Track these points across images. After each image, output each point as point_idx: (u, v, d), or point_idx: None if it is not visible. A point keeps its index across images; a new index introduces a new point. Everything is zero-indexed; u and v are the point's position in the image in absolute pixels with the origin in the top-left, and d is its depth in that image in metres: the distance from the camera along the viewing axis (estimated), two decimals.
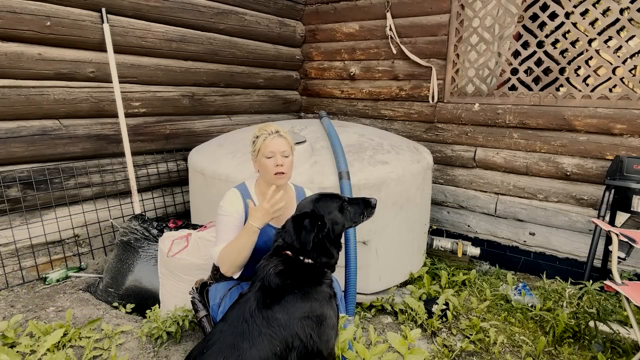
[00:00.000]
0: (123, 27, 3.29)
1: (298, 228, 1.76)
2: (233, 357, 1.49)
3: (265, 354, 1.52)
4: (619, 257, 2.78)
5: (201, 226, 2.84)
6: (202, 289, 2.17)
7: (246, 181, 2.13)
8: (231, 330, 1.58)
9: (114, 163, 3.45)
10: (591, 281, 2.74)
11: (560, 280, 2.91)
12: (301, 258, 1.77)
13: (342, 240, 2.57)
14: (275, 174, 1.95)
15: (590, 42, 3.31)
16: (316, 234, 1.76)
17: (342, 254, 2.56)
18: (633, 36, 3.12)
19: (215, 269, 2.14)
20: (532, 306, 2.95)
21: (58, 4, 2.93)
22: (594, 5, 3.77)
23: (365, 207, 1.92)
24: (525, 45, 3.66)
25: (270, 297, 1.64)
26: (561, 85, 3.67)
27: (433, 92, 4.03)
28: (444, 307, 2.79)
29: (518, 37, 4.16)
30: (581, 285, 2.72)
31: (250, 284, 1.77)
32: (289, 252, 1.79)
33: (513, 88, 3.86)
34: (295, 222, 1.79)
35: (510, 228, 3.80)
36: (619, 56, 3.26)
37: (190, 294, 2.18)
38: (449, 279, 3.28)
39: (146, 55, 3.52)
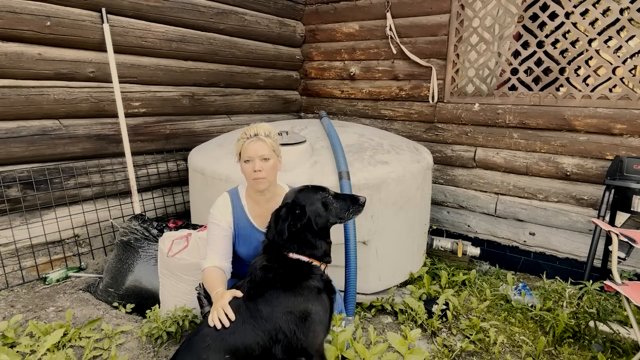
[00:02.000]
0: (123, 27, 3.29)
1: (276, 220, 1.77)
2: (217, 340, 1.58)
3: (247, 341, 1.58)
4: (619, 257, 2.78)
5: (201, 226, 2.84)
6: None
7: (239, 185, 2.11)
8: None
9: (114, 163, 3.45)
10: (591, 281, 2.73)
11: (560, 280, 2.90)
12: (285, 253, 1.76)
13: (342, 241, 2.58)
14: (254, 179, 1.91)
15: (590, 42, 3.31)
16: (292, 223, 1.74)
17: (342, 254, 2.57)
18: (633, 36, 3.12)
19: None
20: (532, 306, 2.95)
21: (58, 4, 2.93)
22: (594, 5, 3.77)
23: (352, 204, 1.87)
24: (525, 45, 3.66)
25: (255, 290, 1.69)
26: (561, 85, 3.67)
27: (433, 92, 4.03)
28: (444, 307, 2.79)
29: (518, 37, 4.15)
30: (581, 285, 2.72)
31: (246, 276, 1.82)
32: (274, 249, 1.80)
33: (513, 88, 3.86)
34: (274, 216, 1.80)
35: (510, 228, 3.80)
36: (619, 56, 3.26)
37: (196, 290, 2.19)
38: (449, 279, 3.28)
39: (146, 55, 3.52)
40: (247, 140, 1.92)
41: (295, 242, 1.76)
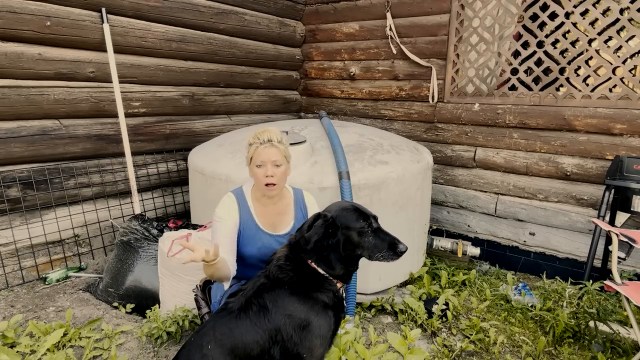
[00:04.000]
0: (123, 27, 3.29)
1: (309, 226, 1.73)
2: (220, 333, 1.60)
3: (247, 338, 1.58)
4: (619, 257, 2.78)
5: (201, 226, 2.84)
6: (205, 286, 2.18)
7: (244, 185, 2.10)
8: (230, 308, 1.66)
9: (114, 163, 3.45)
10: (591, 281, 2.74)
11: (560, 280, 2.91)
12: (305, 258, 1.74)
13: None
14: (265, 185, 1.91)
15: (590, 42, 3.31)
16: (321, 239, 1.69)
17: None
18: (633, 36, 3.12)
19: None
20: (532, 306, 2.95)
21: (58, 4, 2.93)
22: (594, 5, 3.78)
23: (388, 248, 1.72)
24: (525, 45, 3.65)
25: (267, 286, 1.68)
26: (561, 85, 3.67)
27: (433, 92, 4.03)
28: (444, 307, 2.79)
29: (518, 37, 4.16)
30: (581, 285, 2.72)
31: (265, 266, 1.80)
32: (297, 249, 1.77)
33: (513, 88, 3.86)
34: (312, 220, 1.76)
35: (510, 228, 3.80)
36: (619, 56, 3.26)
37: (193, 291, 2.19)
38: (449, 279, 3.28)
39: (146, 55, 3.52)
40: (261, 145, 1.90)
41: (316, 254, 1.72)
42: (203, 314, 2.09)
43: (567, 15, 3.36)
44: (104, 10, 3.12)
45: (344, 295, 1.87)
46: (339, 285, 1.77)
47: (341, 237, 1.72)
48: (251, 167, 1.95)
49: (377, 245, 1.72)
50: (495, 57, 3.86)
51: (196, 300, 2.15)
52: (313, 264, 1.73)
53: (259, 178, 1.92)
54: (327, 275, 1.74)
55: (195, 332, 1.66)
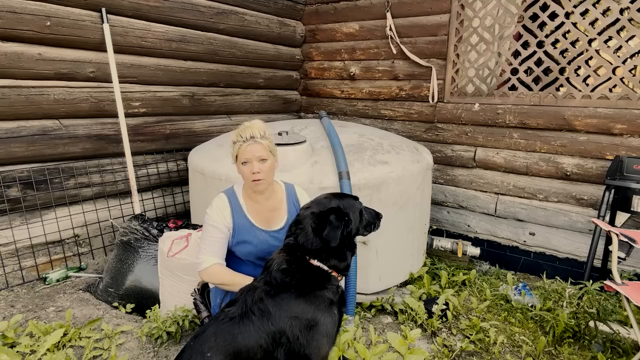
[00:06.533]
0: (123, 27, 3.29)
1: (320, 225, 1.70)
2: (222, 339, 1.58)
3: (250, 343, 1.56)
4: (619, 257, 2.79)
5: (201, 226, 2.83)
6: (204, 290, 2.17)
7: (235, 185, 2.10)
8: (231, 314, 1.65)
9: (114, 163, 3.45)
10: (591, 281, 2.73)
11: (560, 280, 2.91)
12: (307, 258, 1.74)
13: None
14: (253, 181, 1.92)
15: (590, 42, 3.31)
16: (342, 230, 1.70)
17: None
18: (633, 36, 3.12)
19: None
20: (532, 306, 2.95)
21: (58, 4, 2.93)
22: (594, 5, 3.77)
23: (376, 217, 1.93)
24: (525, 45, 3.65)
25: (269, 291, 1.67)
26: (561, 85, 3.67)
27: (433, 92, 4.03)
28: (444, 307, 2.79)
29: (518, 37, 4.15)
30: (581, 285, 2.72)
31: (260, 274, 1.79)
32: (298, 251, 1.76)
33: (513, 88, 3.86)
34: (319, 219, 1.73)
35: (510, 228, 3.80)
36: (619, 56, 3.26)
37: (192, 295, 2.18)
38: (449, 279, 3.28)
39: (146, 55, 3.52)
40: (245, 143, 1.91)
41: (325, 251, 1.72)
42: (203, 317, 2.09)
43: (567, 15, 3.36)
44: (104, 10, 3.12)
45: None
46: (339, 279, 1.79)
47: (351, 223, 1.78)
48: (237, 164, 1.97)
49: (371, 219, 1.91)
50: (495, 57, 3.86)
51: (195, 304, 2.14)
52: (316, 262, 1.73)
53: (245, 175, 1.94)
54: (330, 270, 1.75)
55: (195, 337, 1.64)
